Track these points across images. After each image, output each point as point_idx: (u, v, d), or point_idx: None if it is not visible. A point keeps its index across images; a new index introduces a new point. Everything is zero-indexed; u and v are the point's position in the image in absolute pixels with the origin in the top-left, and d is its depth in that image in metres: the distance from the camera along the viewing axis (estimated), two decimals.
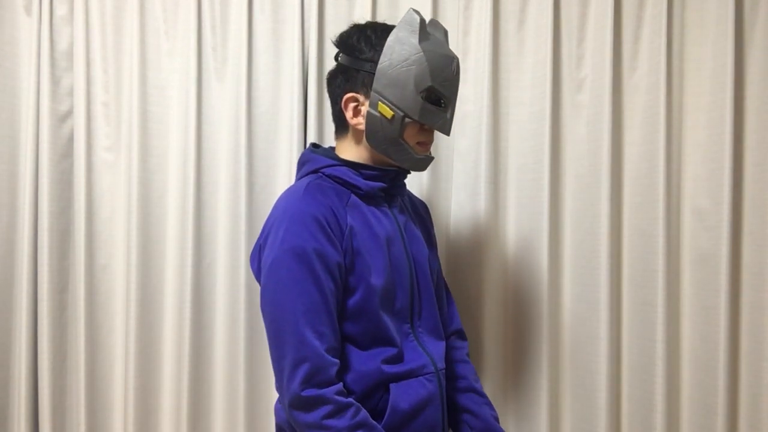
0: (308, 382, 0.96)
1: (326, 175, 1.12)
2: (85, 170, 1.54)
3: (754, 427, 1.46)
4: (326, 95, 1.55)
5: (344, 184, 1.12)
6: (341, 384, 1.00)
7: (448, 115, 1.12)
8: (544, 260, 1.50)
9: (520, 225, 1.54)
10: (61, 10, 1.55)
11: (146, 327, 1.55)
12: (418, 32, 1.07)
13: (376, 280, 1.06)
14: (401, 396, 1.06)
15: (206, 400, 1.56)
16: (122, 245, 1.57)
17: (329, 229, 1.03)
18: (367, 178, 1.12)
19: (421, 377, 1.09)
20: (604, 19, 1.50)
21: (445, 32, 1.16)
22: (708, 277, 1.48)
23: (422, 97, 1.07)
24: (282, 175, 1.57)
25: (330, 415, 0.96)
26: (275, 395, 1.55)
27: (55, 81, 1.55)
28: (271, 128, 1.57)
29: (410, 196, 1.32)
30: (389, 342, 1.08)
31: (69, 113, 1.57)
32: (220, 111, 1.56)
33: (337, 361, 1.01)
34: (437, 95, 1.09)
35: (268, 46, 1.56)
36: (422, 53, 1.06)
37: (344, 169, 1.13)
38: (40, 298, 1.54)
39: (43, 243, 1.53)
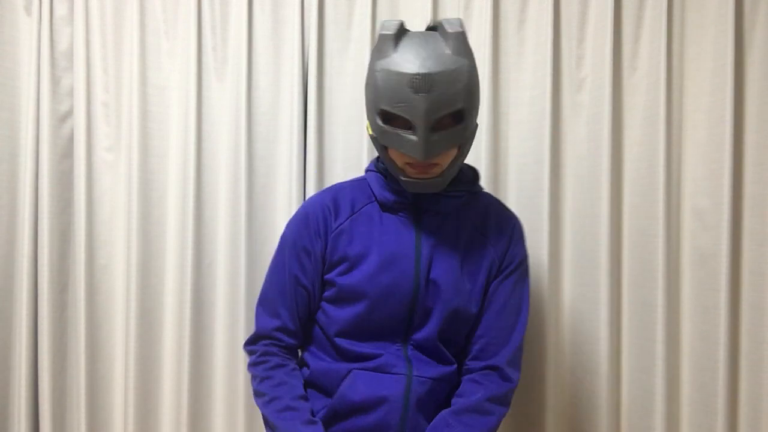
0: (250, 342, 1.19)
1: (366, 177, 1.19)
2: (85, 170, 1.54)
3: (754, 427, 1.46)
4: (326, 95, 1.56)
5: (370, 189, 1.17)
6: (273, 344, 1.15)
7: (417, 138, 0.99)
8: (544, 260, 1.50)
9: None
10: (61, 10, 1.55)
11: (146, 327, 1.55)
12: (379, 50, 1.02)
13: (355, 294, 1.11)
14: (356, 387, 1.07)
15: (206, 400, 1.56)
16: (122, 245, 1.57)
17: (314, 224, 1.14)
18: (388, 189, 1.14)
19: (388, 374, 1.08)
20: (604, 19, 1.50)
21: (403, 31, 1.04)
22: (708, 277, 1.48)
23: (381, 120, 1.03)
24: (282, 175, 1.57)
25: (251, 364, 1.16)
26: None
27: (55, 81, 1.55)
28: (271, 128, 1.57)
29: (491, 213, 1.18)
30: (368, 354, 1.11)
31: (69, 113, 1.57)
32: (220, 111, 1.56)
33: (285, 339, 1.15)
34: (394, 117, 1.01)
35: (268, 46, 1.56)
36: (375, 73, 1.01)
37: (373, 175, 1.17)
38: (40, 298, 1.54)
39: (43, 243, 1.53)
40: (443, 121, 1.00)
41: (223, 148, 1.56)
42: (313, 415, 1.09)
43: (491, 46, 1.51)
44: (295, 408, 1.07)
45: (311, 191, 1.54)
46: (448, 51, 0.99)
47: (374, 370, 1.08)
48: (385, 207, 1.15)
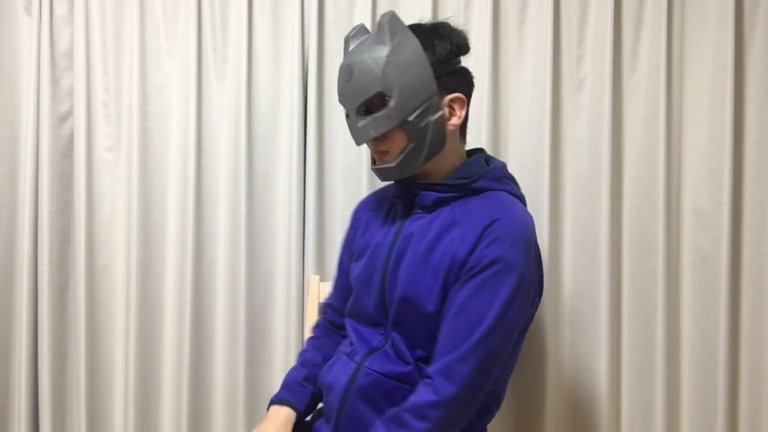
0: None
1: None
2: (85, 170, 1.54)
3: (754, 427, 1.46)
4: (326, 95, 1.57)
5: None
6: (324, 318, 1.31)
7: (349, 125, 1.09)
8: (544, 260, 1.49)
9: None
10: (61, 10, 1.55)
11: (146, 327, 1.55)
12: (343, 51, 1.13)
13: (353, 281, 1.19)
14: (329, 369, 1.14)
15: (206, 400, 1.56)
16: (122, 245, 1.57)
17: (353, 217, 1.29)
18: (394, 184, 1.18)
19: (350, 361, 1.10)
20: (604, 19, 1.50)
21: (362, 33, 1.10)
22: (708, 277, 1.48)
23: (344, 114, 1.12)
24: (282, 175, 1.57)
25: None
26: None
27: (55, 81, 1.55)
28: (271, 128, 1.57)
29: (477, 210, 1.07)
30: (351, 340, 1.16)
31: (69, 113, 1.57)
32: (220, 111, 1.56)
33: (332, 315, 1.29)
34: (344, 108, 1.11)
35: (268, 46, 1.56)
36: None
37: None
38: (40, 298, 1.54)
39: (43, 243, 1.53)
40: (370, 106, 1.05)
41: (223, 148, 1.56)
42: (312, 384, 1.18)
43: (491, 46, 1.51)
44: (298, 370, 1.20)
45: (311, 191, 1.54)
46: (373, 42, 1.05)
47: (347, 355, 1.12)
48: (391, 201, 1.20)
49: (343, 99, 1.08)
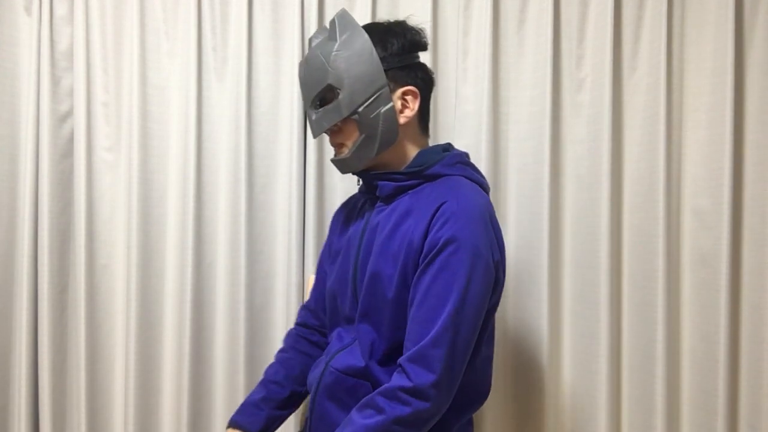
0: None
1: None
2: (85, 170, 1.54)
3: (754, 427, 1.46)
4: None
5: None
6: (299, 325, 1.29)
7: (307, 118, 1.15)
8: (544, 260, 1.50)
9: (520, 225, 1.54)
10: (61, 10, 1.55)
11: (146, 327, 1.55)
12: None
13: (330, 285, 1.19)
14: (312, 371, 1.15)
15: (206, 400, 1.56)
16: (122, 245, 1.57)
17: (332, 221, 1.28)
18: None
19: (322, 360, 1.13)
20: (604, 19, 1.50)
21: (322, 32, 1.12)
22: (708, 277, 1.48)
23: None
24: (282, 175, 1.57)
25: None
26: None
27: (55, 81, 1.55)
28: (271, 128, 1.57)
29: (432, 194, 1.05)
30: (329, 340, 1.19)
31: (69, 113, 1.57)
32: (220, 111, 1.56)
33: (302, 314, 1.30)
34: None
35: (268, 46, 1.56)
36: None
37: None
38: (40, 298, 1.54)
39: (43, 243, 1.53)
40: (323, 99, 1.09)
41: (223, 148, 1.56)
42: (269, 405, 1.16)
43: (491, 46, 1.51)
44: (257, 391, 1.18)
45: (311, 191, 1.54)
46: (326, 39, 1.09)
47: (325, 355, 1.14)
48: (362, 198, 1.21)
49: (301, 94, 1.14)
